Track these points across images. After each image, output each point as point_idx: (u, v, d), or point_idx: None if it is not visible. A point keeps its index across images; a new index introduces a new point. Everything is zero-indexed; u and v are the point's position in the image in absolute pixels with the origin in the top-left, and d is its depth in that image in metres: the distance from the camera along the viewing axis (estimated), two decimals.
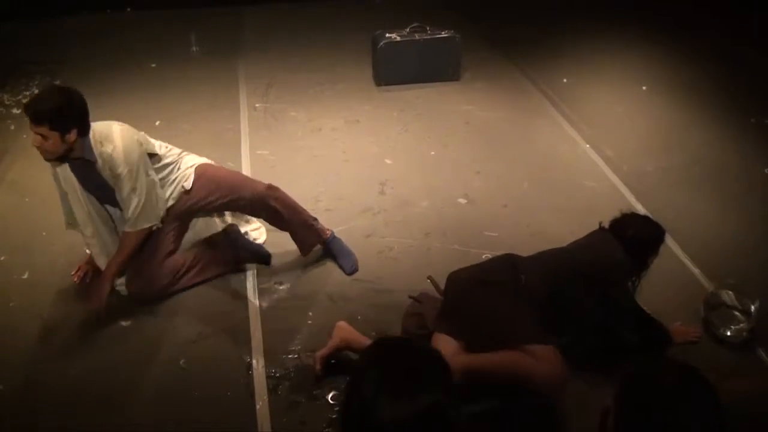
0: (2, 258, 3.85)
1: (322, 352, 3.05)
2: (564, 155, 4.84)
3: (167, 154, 3.46)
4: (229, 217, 3.88)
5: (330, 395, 2.98)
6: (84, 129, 3.17)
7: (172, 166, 3.46)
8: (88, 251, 3.60)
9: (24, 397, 3.02)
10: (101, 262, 3.49)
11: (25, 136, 4.76)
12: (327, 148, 4.87)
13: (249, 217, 3.91)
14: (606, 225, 3.16)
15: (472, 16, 7.08)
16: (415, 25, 5.74)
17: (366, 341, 2.96)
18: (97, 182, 3.30)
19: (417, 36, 5.68)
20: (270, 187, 3.61)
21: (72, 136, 3.11)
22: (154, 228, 3.43)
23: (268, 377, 3.08)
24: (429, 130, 5.11)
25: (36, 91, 5.59)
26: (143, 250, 3.44)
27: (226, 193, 3.52)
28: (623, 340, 3.15)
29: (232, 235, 3.80)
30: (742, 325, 3.29)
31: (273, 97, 5.57)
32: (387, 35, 5.67)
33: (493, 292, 2.92)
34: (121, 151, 3.19)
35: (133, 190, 3.26)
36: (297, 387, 3.03)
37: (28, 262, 3.77)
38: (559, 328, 2.93)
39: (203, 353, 3.23)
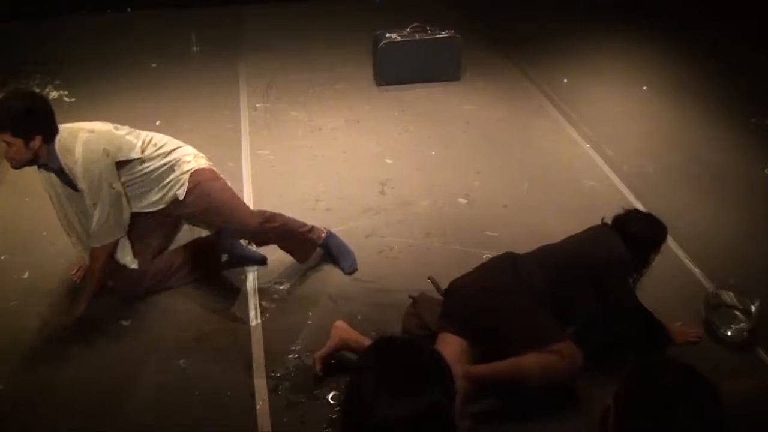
0: (2, 258, 3.85)
1: (321, 353, 3.05)
2: (564, 155, 4.84)
3: (155, 154, 3.29)
4: None
5: (330, 395, 2.98)
6: (49, 136, 3.07)
7: (163, 168, 3.30)
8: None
9: (24, 396, 3.02)
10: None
11: None
12: (327, 148, 4.87)
13: None
14: (608, 221, 3.17)
15: (473, 16, 7.07)
16: (415, 25, 5.74)
17: (365, 341, 2.96)
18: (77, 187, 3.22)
19: (417, 36, 5.68)
20: (263, 222, 3.48)
21: (36, 143, 3.02)
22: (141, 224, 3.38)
23: (268, 377, 3.08)
24: (429, 130, 5.11)
25: (36, 91, 5.59)
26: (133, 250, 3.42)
27: (214, 219, 3.45)
28: (622, 336, 3.15)
29: (224, 238, 3.70)
30: (742, 325, 3.29)
31: (273, 96, 5.57)
32: (387, 35, 5.66)
33: (501, 298, 2.92)
34: (80, 165, 3.07)
35: (94, 205, 3.15)
36: (297, 387, 3.03)
37: (28, 262, 3.77)
38: (563, 319, 2.94)
39: (203, 353, 3.23)
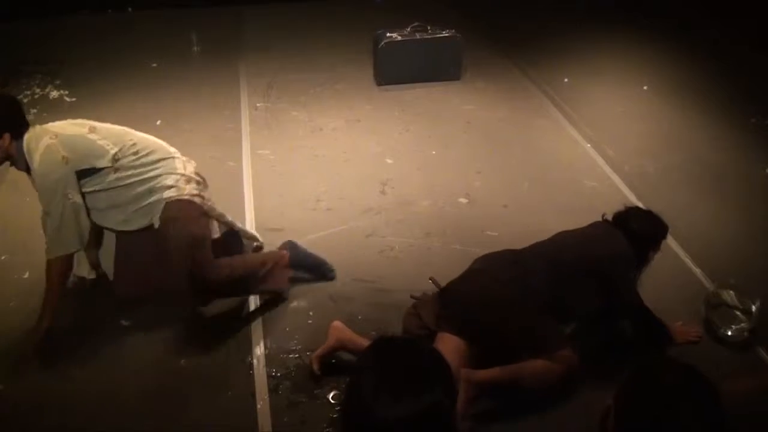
0: (2, 257, 3.85)
1: (317, 353, 3.05)
2: (565, 155, 4.84)
3: (133, 164, 3.08)
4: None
5: (330, 395, 2.98)
6: (17, 133, 2.99)
7: (141, 189, 3.09)
8: None
9: (24, 396, 3.02)
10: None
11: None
12: (328, 148, 4.87)
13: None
14: (609, 218, 3.17)
15: (474, 16, 7.07)
16: (416, 24, 5.74)
17: (362, 341, 2.96)
18: None
19: (418, 35, 5.68)
20: (225, 276, 3.23)
21: (5, 140, 2.96)
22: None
23: (268, 377, 3.08)
24: (430, 130, 5.11)
25: (36, 91, 5.60)
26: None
27: (178, 260, 3.12)
28: (623, 336, 3.15)
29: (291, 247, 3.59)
30: (743, 324, 3.29)
31: (274, 96, 5.57)
32: (388, 35, 5.66)
33: (500, 299, 2.91)
34: (36, 171, 2.98)
35: (47, 213, 3.03)
36: (298, 386, 3.04)
37: (29, 262, 3.77)
38: (563, 317, 2.94)
39: (204, 353, 3.23)
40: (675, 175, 4.57)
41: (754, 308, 3.29)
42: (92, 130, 3.10)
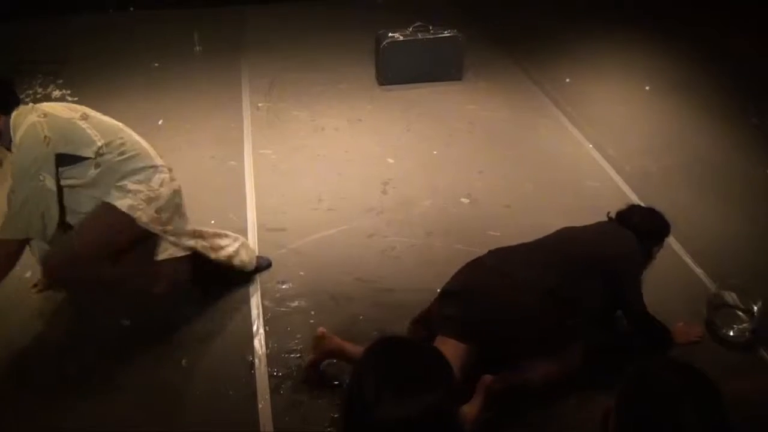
0: None
1: (306, 365, 3.04)
2: (567, 155, 4.84)
3: (114, 160, 3.00)
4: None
5: (332, 394, 2.98)
6: (4, 108, 2.93)
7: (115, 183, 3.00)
8: None
9: (24, 395, 3.02)
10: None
11: None
12: (329, 148, 4.87)
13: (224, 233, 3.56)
14: (613, 215, 3.16)
15: (475, 16, 7.07)
16: (418, 24, 5.73)
17: (350, 347, 2.91)
18: None
19: (420, 35, 5.68)
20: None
21: None
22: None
23: (270, 377, 3.08)
24: (432, 130, 5.11)
25: (38, 90, 5.60)
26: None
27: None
28: (624, 337, 3.14)
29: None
30: (744, 325, 3.29)
31: (276, 96, 5.56)
32: (390, 35, 5.66)
33: (504, 300, 2.85)
34: (15, 145, 2.89)
35: (12, 191, 2.92)
36: (299, 386, 3.03)
37: (30, 261, 3.76)
38: (570, 313, 2.91)
39: (205, 352, 3.23)
40: (676, 176, 4.57)
41: (755, 309, 3.29)
42: (84, 117, 3.02)
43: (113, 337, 3.31)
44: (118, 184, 3.01)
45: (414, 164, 4.68)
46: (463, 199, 4.32)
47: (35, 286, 3.49)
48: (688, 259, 3.79)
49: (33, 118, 2.90)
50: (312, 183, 4.45)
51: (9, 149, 2.99)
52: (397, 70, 5.68)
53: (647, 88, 5.77)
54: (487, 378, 2.73)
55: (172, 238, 3.20)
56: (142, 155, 3.11)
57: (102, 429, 2.87)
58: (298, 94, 5.60)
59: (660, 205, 3.86)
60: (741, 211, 4.23)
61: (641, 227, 3.09)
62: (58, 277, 3.19)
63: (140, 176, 3.07)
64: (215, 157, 4.72)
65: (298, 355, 3.19)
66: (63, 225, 3.06)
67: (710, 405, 1.46)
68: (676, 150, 4.86)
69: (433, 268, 3.70)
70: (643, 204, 4.11)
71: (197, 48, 6.63)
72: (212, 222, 4.03)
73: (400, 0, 7.30)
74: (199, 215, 4.06)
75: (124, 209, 2.99)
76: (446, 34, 5.71)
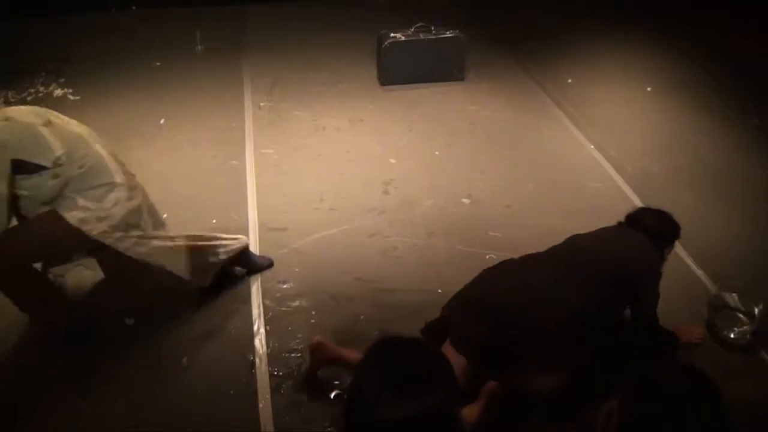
0: None
1: (307, 370, 3.04)
2: (568, 156, 4.84)
3: (72, 180, 2.88)
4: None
5: (332, 394, 2.98)
6: None
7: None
8: None
9: (26, 394, 3.02)
10: None
11: None
12: (331, 148, 4.87)
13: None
14: (622, 220, 3.12)
15: (477, 16, 7.07)
16: (419, 24, 5.73)
17: (347, 353, 2.87)
18: None
19: (422, 36, 5.68)
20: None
21: None
22: None
23: (270, 376, 3.08)
24: (433, 130, 5.11)
25: (40, 89, 5.60)
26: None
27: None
28: (633, 340, 3.13)
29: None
30: (745, 327, 3.29)
31: (277, 96, 5.57)
32: (392, 35, 5.66)
33: (519, 318, 2.74)
34: None
35: None
36: (299, 386, 3.03)
37: None
38: (581, 329, 2.84)
39: (206, 352, 3.23)
40: (678, 177, 4.57)
41: (756, 311, 3.29)
42: (48, 123, 2.91)
43: (116, 335, 3.31)
44: (70, 195, 2.89)
45: (415, 164, 4.68)
46: (464, 200, 4.32)
47: None
48: (689, 261, 3.79)
49: None
50: (313, 183, 4.46)
51: None
52: (398, 71, 5.68)
53: (649, 89, 5.77)
54: (492, 383, 2.72)
55: (134, 239, 3.08)
56: (101, 170, 2.97)
57: (102, 428, 2.87)
58: (299, 93, 5.60)
59: (661, 207, 3.87)
60: (742, 212, 4.22)
61: (653, 230, 3.04)
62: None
63: (96, 192, 2.94)
64: (217, 157, 4.72)
65: (299, 354, 3.19)
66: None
67: (711, 406, 1.46)
68: (677, 151, 4.86)
69: (434, 268, 3.71)
70: (643, 205, 4.13)
71: (199, 47, 6.63)
72: (213, 221, 4.04)
73: (402, 0, 7.30)
74: (200, 214, 4.09)
75: (73, 222, 2.88)
76: (448, 34, 5.71)
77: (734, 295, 3.37)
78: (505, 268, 2.97)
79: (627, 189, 4.42)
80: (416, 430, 1.46)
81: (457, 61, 5.76)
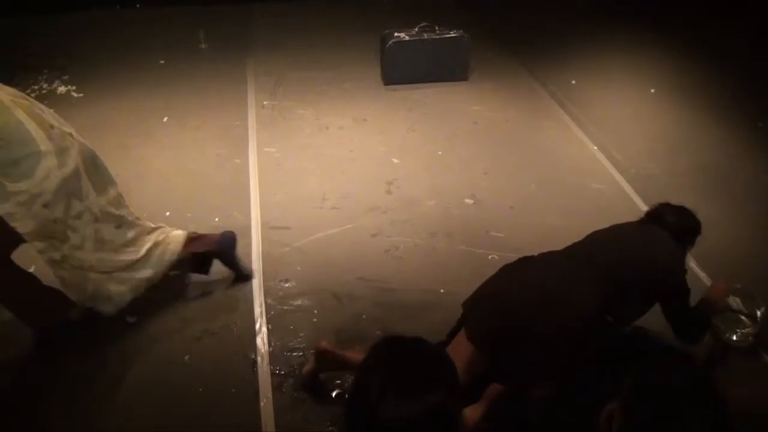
0: None
1: (306, 371, 3.02)
2: (571, 157, 4.84)
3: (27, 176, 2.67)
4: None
5: (334, 393, 2.98)
6: None
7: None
8: None
9: (27, 393, 3.02)
10: None
11: None
12: (334, 147, 4.87)
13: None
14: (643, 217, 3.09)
15: (481, 17, 7.06)
16: (423, 24, 5.73)
17: (354, 356, 2.81)
18: None
19: (426, 35, 5.67)
20: None
21: None
22: None
23: (272, 375, 3.08)
24: (436, 130, 5.11)
25: (44, 86, 5.61)
26: None
27: None
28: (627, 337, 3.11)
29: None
30: (748, 329, 3.28)
31: (281, 94, 5.57)
32: (396, 34, 5.66)
33: (538, 325, 2.64)
34: None
35: None
36: (301, 385, 3.03)
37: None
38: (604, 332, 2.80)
39: (208, 350, 3.23)
40: (681, 179, 4.57)
41: (759, 313, 3.28)
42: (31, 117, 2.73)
43: (118, 334, 3.31)
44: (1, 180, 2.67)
45: (418, 164, 4.68)
46: (467, 200, 4.32)
47: None
48: (692, 263, 3.78)
49: None
50: (316, 181, 4.46)
51: None
52: (402, 70, 5.68)
53: (652, 90, 5.76)
54: (496, 387, 2.71)
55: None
56: (25, 139, 2.68)
57: (104, 427, 2.88)
58: (303, 92, 5.60)
59: None
60: (745, 215, 4.22)
61: (677, 226, 3.01)
62: None
63: (23, 167, 2.68)
64: (220, 155, 4.72)
65: (301, 353, 3.19)
66: None
67: (714, 408, 1.46)
68: (680, 152, 4.86)
69: (437, 268, 3.71)
70: (647, 207, 4.12)
71: (203, 45, 6.63)
72: (216, 219, 4.04)
73: (407, 0, 7.30)
74: (202, 212, 4.09)
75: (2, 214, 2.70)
76: (452, 34, 5.71)
77: (737, 298, 3.36)
78: (525, 266, 2.89)
79: (630, 190, 4.42)
80: (418, 430, 1.46)
81: (460, 61, 5.76)
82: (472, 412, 2.66)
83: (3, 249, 2.91)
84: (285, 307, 3.48)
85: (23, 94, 2.82)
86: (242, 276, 3.62)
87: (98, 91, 5.51)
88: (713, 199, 4.36)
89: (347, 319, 3.37)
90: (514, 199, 4.33)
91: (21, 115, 2.70)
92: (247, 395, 2.99)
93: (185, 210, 4.11)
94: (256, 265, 3.73)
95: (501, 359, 2.66)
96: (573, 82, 5.88)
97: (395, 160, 4.72)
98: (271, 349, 3.22)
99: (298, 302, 3.51)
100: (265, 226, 4.02)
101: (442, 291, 3.52)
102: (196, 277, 3.60)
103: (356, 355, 2.82)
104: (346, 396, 2.81)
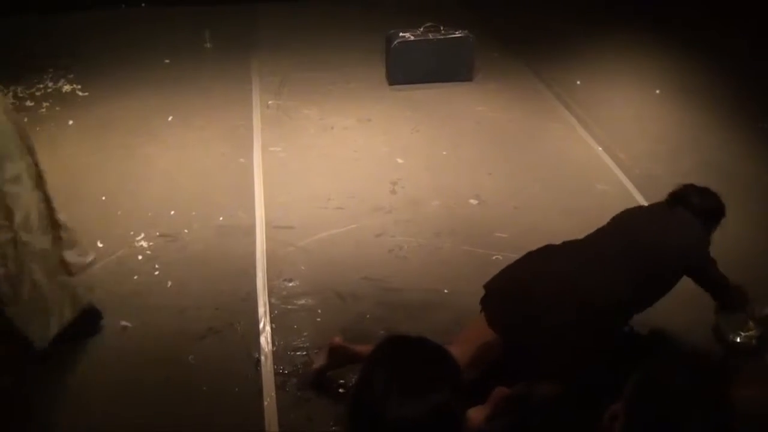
0: None
1: (316, 368, 3.02)
2: (576, 157, 4.84)
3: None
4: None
5: (338, 392, 2.98)
6: None
7: None
8: None
9: (30, 393, 3.03)
10: None
11: (38, 128, 4.78)
12: (339, 147, 4.88)
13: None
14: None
15: (486, 17, 7.06)
16: (428, 24, 5.73)
17: (364, 350, 2.80)
18: None
19: (430, 36, 5.67)
20: None
21: None
22: None
23: (276, 374, 3.09)
24: (441, 130, 5.11)
25: (49, 85, 5.62)
26: None
27: None
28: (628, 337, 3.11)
29: None
30: (751, 332, 3.28)
31: (286, 94, 5.57)
32: (400, 34, 5.66)
33: (564, 315, 2.69)
34: None
35: None
36: (305, 384, 3.04)
37: None
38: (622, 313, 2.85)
39: (212, 349, 3.23)
40: (685, 179, 4.49)
41: (763, 315, 3.28)
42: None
43: (121, 333, 3.32)
44: None
45: (423, 164, 4.68)
46: (471, 200, 4.32)
47: None
48: None
49: None
50: (321, 181, 4.46)
51: None
52: (407, 70, 5.68)
53: (657, 91, 5.76)
54: (503, 390, 2.72)
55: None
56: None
57: (107, 427, 2.88)
58: (307, 92, 5.60)
59: None
60: (749, 216, 4.20)
61: (702, 207, 3.01)
62: None
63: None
64: (225, 154, 4.73)
65: (304, 352, 3.20)
66: None
67: (718, 409, 1.46)
68: (684, 153, 4.85)
69: (440, 268, 3.71)
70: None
71: (208, 45, 6.64)
72: (220, 218, 4.05)
73: (412, 0, 7.30)
74: (207, 212, 4.09)
75: None
76: (457, 34, 5.71)
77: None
78: (550, 253, 2.94)
79: (634, 191, 4.42)
80: (421, 429, 1.46)
81: (465, 61, 5.76)
82: (476, 413, 2.66)
83: None
84: (289, 307, 3.48)
85: None
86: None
87: (103, 91, 5.52)
88: None
89: (351, 318, 3.37)
90: (519, 200, 4.33)
91: None
92: (250, 394, 2.99)
93: (190, 209, 4.11)
94: (261, 264, 3.73)
95: (519, 343, 2.70)
96: (578, 82, 5.87)
97: (399, 160, 4.72)
98: (274, 348, 3.23)
99: (302, 302, 3.51)
100: (270, 226, 4.03)
101: (445, 291, 3.53)
102: (196, 276, 3.62)
103: (369, 349, 2.82)
104: (350, 395, 2.81)
